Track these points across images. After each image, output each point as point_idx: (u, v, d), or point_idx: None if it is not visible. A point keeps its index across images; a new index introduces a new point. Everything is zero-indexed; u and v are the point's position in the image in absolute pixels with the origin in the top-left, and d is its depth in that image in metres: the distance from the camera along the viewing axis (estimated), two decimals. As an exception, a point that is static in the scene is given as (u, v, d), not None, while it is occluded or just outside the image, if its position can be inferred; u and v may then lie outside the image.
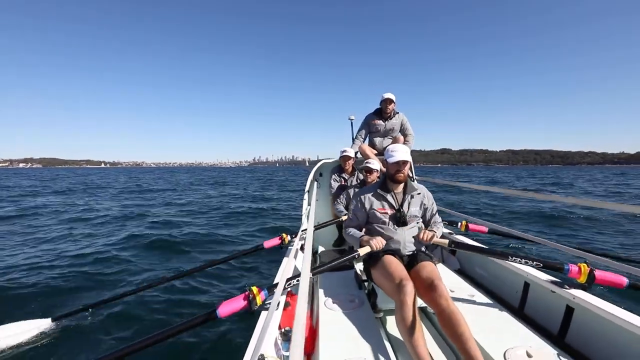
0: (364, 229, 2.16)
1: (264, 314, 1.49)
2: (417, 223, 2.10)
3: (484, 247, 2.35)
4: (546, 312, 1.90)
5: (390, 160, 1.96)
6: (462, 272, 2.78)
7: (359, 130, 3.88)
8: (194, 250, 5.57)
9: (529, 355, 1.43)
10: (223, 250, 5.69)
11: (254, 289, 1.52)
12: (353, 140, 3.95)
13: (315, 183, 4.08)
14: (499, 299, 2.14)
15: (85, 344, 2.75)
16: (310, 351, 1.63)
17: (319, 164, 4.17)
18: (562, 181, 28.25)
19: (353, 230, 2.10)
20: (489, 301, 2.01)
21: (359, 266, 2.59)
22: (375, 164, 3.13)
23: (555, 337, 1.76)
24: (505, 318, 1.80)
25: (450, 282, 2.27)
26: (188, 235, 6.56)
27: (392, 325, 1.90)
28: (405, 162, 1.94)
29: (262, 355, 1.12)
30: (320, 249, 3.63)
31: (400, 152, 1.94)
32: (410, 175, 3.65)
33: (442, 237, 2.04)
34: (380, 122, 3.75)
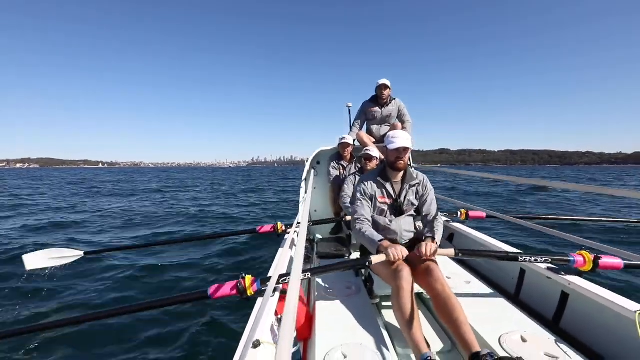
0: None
1: (259, 300, 1.49)
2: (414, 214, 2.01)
3: (496, 251, 2.18)
4: (542, 298, 1.91)
5: (391, 146, 1.89)
6: (458, 259, 2.78)
7: (356, 119, 3.84)
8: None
9: (523, 340, 1.44)
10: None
11: (248, 277, 1.50)
12: (350, 127, 3.90)
13: (313, 171, 4.04)
14: (495, 285, 2.15)
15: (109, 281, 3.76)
16: (307, 337, 1.64)
17: (316, 151, 4.13)
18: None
19: (369, 231, 1.86)
20: (485, 287, 2.01)
21: (356, 253, 2.59)
22: (374, 151, 3.09)
23: (550, 322, 1.77)
24: (500, 304, 1.81)
25: (446, 268, 2.27)
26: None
27: (388, 311, 1.91)
28: (406, 149, 1.87)
29: (257, 340, 1.13)
30: (318, 236, 3.63)
31: (401, 139, 1.87)
32: (410, 163, 3.61)
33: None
34: (377, 109, 3.70)
